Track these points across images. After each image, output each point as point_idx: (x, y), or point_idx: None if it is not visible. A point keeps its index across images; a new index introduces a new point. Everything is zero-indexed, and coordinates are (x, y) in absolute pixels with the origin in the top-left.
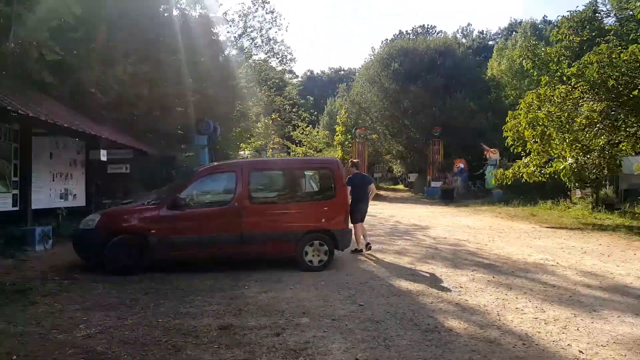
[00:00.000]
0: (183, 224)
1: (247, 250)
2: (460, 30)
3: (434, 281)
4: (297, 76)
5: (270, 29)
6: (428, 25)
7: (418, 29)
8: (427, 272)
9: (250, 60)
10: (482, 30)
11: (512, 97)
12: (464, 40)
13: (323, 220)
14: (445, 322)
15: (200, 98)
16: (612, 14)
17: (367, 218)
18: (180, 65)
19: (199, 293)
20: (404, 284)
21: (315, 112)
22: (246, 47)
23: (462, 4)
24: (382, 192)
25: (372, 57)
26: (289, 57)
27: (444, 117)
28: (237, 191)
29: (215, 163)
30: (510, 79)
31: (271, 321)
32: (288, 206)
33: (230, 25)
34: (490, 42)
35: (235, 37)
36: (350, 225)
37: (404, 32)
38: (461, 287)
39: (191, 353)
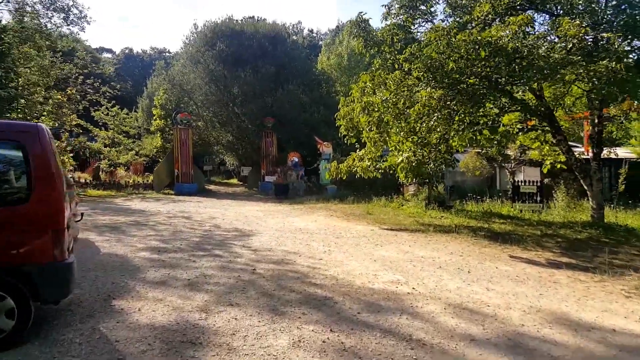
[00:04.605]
0: None
1: None
2: (291, 27)
3: (228, 356)
4: (115, 54)
5: None
6: (259, 17)
7: (248, 19)
8: (221, 332)
9: (26, 16)
10: (312, 29)
11: (342, 93)
12: (295, 38)
13: (5, 247)
14: None
15: None
16: (440, 1)
17: (177, 221)
18: None
19: None
20: None
21: (126, 89)
22: None
23: (293, 2)
24: (212, 187)
25: (195, 34)
26: (76, 13)
27: (276, 108)
28: None
29: None
30: (339, 75)
31: None
32: None
33: None
34: (320, 43)
35: None
36: (71, 257)
37: (234, 20)
38: None
39: None
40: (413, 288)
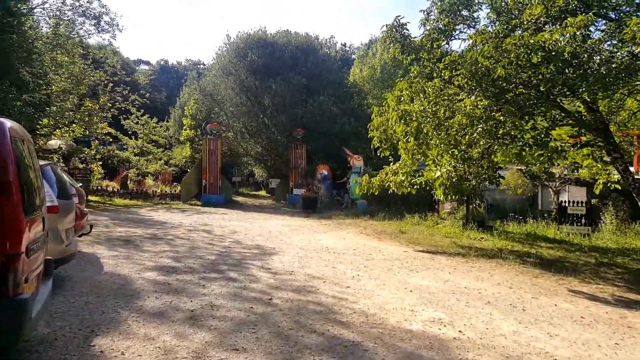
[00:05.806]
0: None
1: None
2: (324, 41)
3: None
4: (152, 66)
5: None
6: (293, 31)
7: (282, 31)
8: None
9: (59, 22)
10: (345, 43)
11: (374, 105)
12: (327, 51)
13: None
14: None
15: None
16: (484, 7)
17: (196, 236)
18: None
19: None
20: None
21: (160, 99)
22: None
23: (326, 19)
24: (239, 199)
25: (227, 45)
26: (107, 20)
27: (306, 119)
28: None
29: None
30: (372, 88)
31: None
32: None
33: None
34: (353, 56)
35: None
36: (28, 291)
37: (267, 32)
38: None
39: None
40: (460, 331)
